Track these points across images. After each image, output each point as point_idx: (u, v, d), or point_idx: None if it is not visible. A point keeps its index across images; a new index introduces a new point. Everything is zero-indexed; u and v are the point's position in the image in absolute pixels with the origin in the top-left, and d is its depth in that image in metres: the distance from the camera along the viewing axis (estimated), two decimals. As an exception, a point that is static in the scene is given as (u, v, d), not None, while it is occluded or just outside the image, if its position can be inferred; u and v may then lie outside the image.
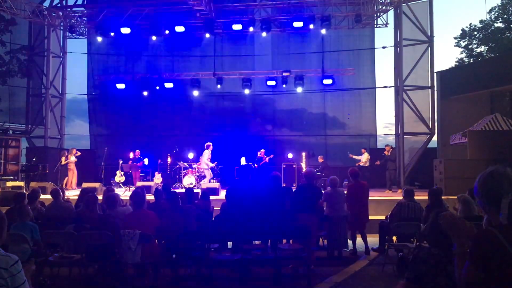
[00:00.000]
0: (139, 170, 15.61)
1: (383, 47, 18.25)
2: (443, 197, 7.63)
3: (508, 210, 1.92)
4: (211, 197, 11.01)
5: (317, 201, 7.27)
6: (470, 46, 26.05)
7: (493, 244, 1.86)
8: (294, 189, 8.36)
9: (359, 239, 8.33)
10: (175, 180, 15.22)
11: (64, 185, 14.69)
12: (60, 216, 6.84)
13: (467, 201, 6.62)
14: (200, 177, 15.03)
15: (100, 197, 8.76)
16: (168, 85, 17.99)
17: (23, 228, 5.62)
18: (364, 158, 15.11)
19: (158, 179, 14.65)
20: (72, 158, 15.34)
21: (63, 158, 15.53)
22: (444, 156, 15.43)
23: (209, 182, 14.50)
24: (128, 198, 8.10)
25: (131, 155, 15.70)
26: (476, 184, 2.12)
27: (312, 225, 6.43)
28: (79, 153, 15.76)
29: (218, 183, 14.35)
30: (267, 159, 15.53)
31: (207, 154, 14.68)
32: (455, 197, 9.31)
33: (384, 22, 17.40)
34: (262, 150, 15.77)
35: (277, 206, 6.81)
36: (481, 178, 2.10)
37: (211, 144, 14.88)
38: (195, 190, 10.67)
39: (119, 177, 15.16)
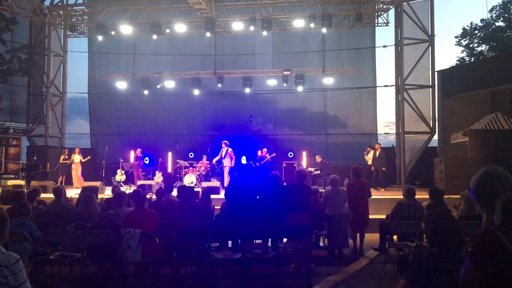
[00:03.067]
0: (141, 169, 15.61)
1: (384, 46, 18.24)
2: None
3: (502, 210, 1.93)
4: (213, 196, 11.06)
5: (307, 200, 7.20)
6: (471, 45, 26.00)
7: (495, 244, 1.86)
8: (284, 188, 8.27)
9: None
10: (176, 179, 15.23)
11: (62, 183, 14.70)
12: (61, 215, 6.84)
13: (469, 200, 6.60)
14: (201, 176, 15.03)
15: (100, 196, 8.79)
16: (169, 84, 18.00)
17: (20, 226, 5.61)
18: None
19: (159, 178, 14.65)
20: (77, 157, 15.34)
21: (61, 157, 15.52)
22: (445, 155, 15.42)
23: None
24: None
25: (132, 154, 15.71)
26: (471, 186, 2.14)
27: (303, 224, 6.41)
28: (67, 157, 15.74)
29: (219, 182, 14.35)
30: (269, 158, 15.52)
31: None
32: (456, 196, 9.33)
33: (385, 21, 17.39)
34: (265, 149, 15.77)
35: (277, 205, 6.81)
36: (474, 180, 2.12)
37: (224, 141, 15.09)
38: (195, 189, 10.70)
39: (120, 175, 15.16)
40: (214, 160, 15.16)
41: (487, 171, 2.08)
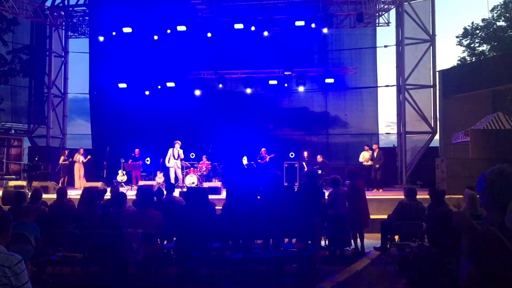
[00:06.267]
0: (140, 170, 15.60)
1: (385, 46, 18.22)
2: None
3: None
4: (215, 196, 11.08)
5: (319, 201, 7.25)
6: (472, 45, 26.05)
7: (495, 244, 1.85)
8: (296, 189, 8.33)
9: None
10: (177, 180, 15.22)
11: (63, 184, 14.71)
12: (63, 216, 6.85)
13: (473, 199, 6.59)
14: (202, 177, 15.03)
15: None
16: (170, 84, 18.01)
17: (25, 228, 5.62)
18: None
19: (160, 178, 14.66)
20: (80, 158, 15.35)
21: (61, 158, 15.51)
22: (446, 155, 15.42)
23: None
24: (130, 197, 8.12)
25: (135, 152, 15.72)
26: (482, 181, 2.05)
27: (314, 225, 6.42)
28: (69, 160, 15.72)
29: (220, 183, 14.35)
30: (267, 159, 15.53)
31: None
32: (457, 196, 9.33)
33: (386, 21, 17.40)
34: (263, 149, 15.78)
35: (279, 205, 6.81)
36: (489, 176, 2.03)
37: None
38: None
39: (121, 176, 15.17)
40: (167, 160, 14.74)
41: (505, 170, 1.99)
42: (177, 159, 14.62)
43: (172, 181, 14.26)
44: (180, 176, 14.80)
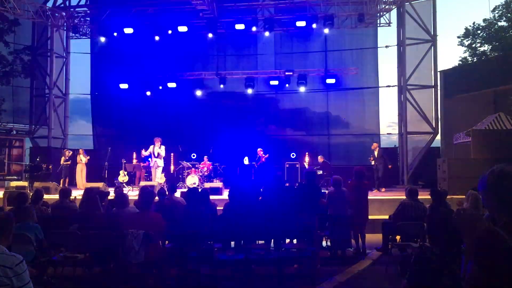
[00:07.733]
0: (144, 170, 15.59)
1: (386, 46, 18.22)
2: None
3: None
4: (216, 197, 11.07)
5: (317, 201, 7.22)
6: (473, 45, 25.95)
7: (498, 244, 1.84)
8: (293, 189, 8.31)
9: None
10: (178, 180, 15.23)
11: (65, 184, 14.72)
12: (65, 216, 6.85)
13: (476, 199, 6.57)
14: (204, 177, 15.03)
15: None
16: (171, 85, 18.03)
17: (27, 228, 5.62)
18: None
19: (161, 178, 14.66)
20: (83, 158, 15.36)
21: (62, 158, 15.51)
22: (448, 155, 15.40)
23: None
24: (131, 197, 8.12)
25: (135, 155, 15.70)
26: (483, 182, 2.03)
27: (312, 224, 6.42)
28: (70, 153, 15.68)
29: (221, 183, 14.35)
30: (263, 159, 15.52)
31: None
32: (458, 197, 9.32)
33: (387, 21, 17.38)
34: (260, 149, 15.76)
35: (280, 206, 6.81)
36: (489, 177, 2.02)
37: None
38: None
39: (123, 176, 15.18)
40: (144, 152, 14.13)
41: (504, 169, 1.99)
42: (156, 157, 14.03)
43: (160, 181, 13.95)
44: (154, 175, 14.21)
